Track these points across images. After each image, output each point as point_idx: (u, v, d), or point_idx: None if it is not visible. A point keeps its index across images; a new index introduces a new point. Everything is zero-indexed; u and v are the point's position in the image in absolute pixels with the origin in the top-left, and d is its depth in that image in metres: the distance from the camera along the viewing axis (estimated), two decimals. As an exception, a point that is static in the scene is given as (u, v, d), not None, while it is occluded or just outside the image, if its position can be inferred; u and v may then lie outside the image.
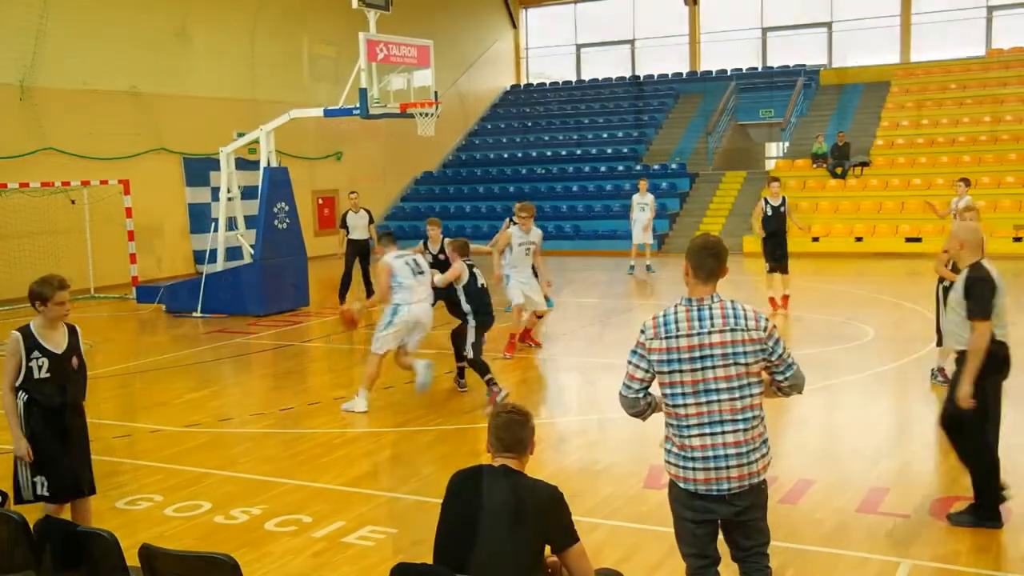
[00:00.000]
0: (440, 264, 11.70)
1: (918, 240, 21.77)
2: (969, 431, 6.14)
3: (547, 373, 11.59)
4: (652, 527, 6.18)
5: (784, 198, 14.86)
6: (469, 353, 9.78)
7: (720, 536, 4.37)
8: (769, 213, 14.70)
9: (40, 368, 5.68)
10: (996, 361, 6.04)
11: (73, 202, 18.92)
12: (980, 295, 5.94)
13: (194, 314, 15.86)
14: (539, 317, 12.56)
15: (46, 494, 5.71)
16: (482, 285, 9.97)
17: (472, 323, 9.80)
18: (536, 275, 12.08)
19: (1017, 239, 21.21)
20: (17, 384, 5.66)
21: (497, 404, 4.11)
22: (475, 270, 9.99)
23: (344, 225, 16.86)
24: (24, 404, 5.67)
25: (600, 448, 8.14)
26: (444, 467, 7.22)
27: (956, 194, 14.90)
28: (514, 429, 4.01)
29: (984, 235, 6.18)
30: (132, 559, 3.93)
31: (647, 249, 19.96)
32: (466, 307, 9.83)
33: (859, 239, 22.53)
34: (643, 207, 19.54)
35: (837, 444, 8.21)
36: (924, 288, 15.85)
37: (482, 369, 9.67)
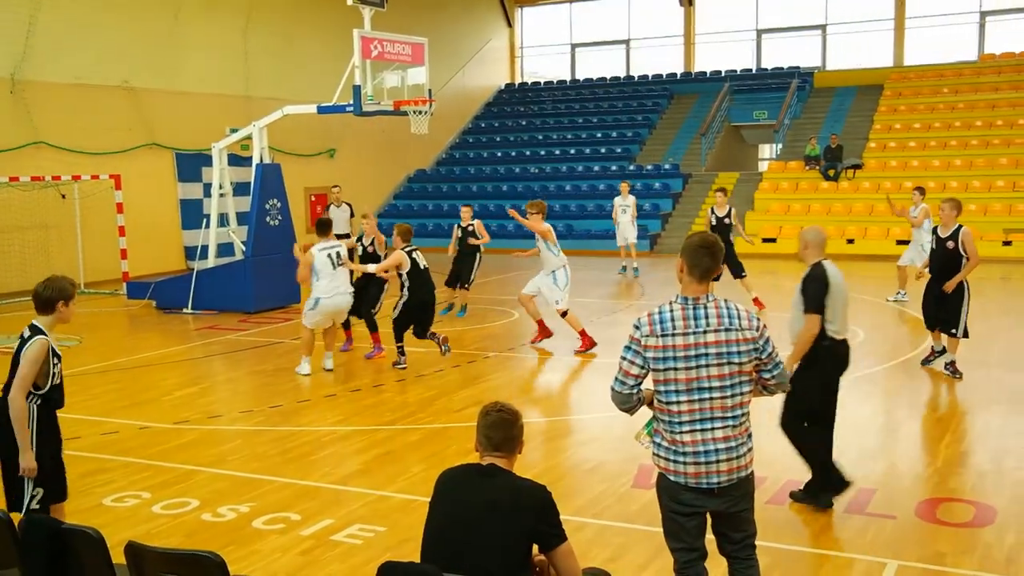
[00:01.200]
0: (370, 257, 12.55)
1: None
2: (812, 425, 6.63)
3: (538, 372, 11.59)
4: (641, 527, 6.20)
5: (731, 209, 15.46)
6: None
7: (708, 533, 4.40)
8: (713, 223, 15.26)
9: (57, 373, 5.39)
10: (833, 357, 6.51)
11: (64, 196, 18.88)
12: (813, 292, 6.40)
13: (184, 310, 15.83)
14: (563, 315, 12.30)
15: (37, 507, 5.35)
16: (424, 267, 11.04)
17: (403, 301, 11.02)
18: (553, 271, 12.16)
19: (1007, 243, 21.28)
20: (41, 392, 5.29)
21: (487, 403, 4.12)
22: (415, 254, 11.03)
23: None
24: (37, 411, 5.30)
25: (589, 447, 8.14)
26: (433, 465, 7.22)
27: (912, 203, 15.26)
28: (503, 428, 4.01)
29: (824, 238, 6.64)
30: (118, 557, 3.92)
31: (632, 249, 19.96)
32: (405, 292, 10.98)
33: (851, 241, 22.58)
34: (624, 209, 19.68)
35: (826, 446, 8.20)
36: (913, 289, 15.88)
37: (399, 336, 11.12)
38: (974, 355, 11.35)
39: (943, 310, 10.20)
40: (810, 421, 6.67)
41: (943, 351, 10.51)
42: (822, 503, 6.52)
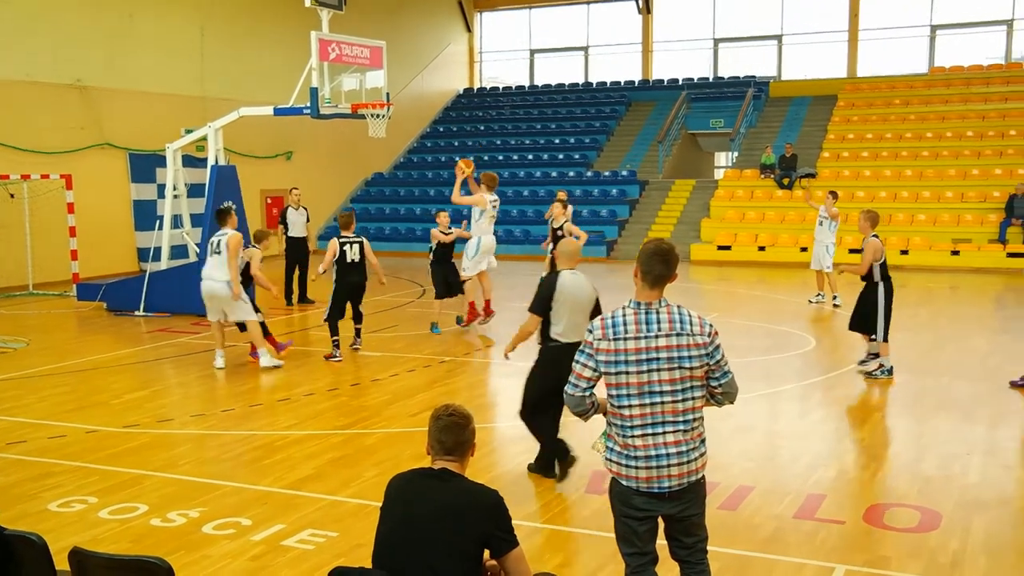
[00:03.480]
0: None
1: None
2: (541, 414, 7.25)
3: (491, 376, 11.59)
4: (593, 532, 6.22)
5: (565, 222, 15.76)
6: (325, 315, 12.05)
7: (660, 538, 4.43)
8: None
9: None
10: (552, 359, 6.93)
11: (12, 196, 18.53)
12: (538, 294, 7.05)
13: (136, 313, 15.60)
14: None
15: None
16: (351, 260, 11.88)
17: (333, 292, 11.93)
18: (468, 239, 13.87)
19: (955, 252, 21.68)
20: None
21: (438, 407, 4.11)
22: (347, 246, 11.88)
23: (283, 221, 16.78)
24: None
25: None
26: (387, 470, 7.16)
27: (819, 202, 16.02)
28: (455, 432, 3.99)
29: (574, 250, 7.15)
30: (62, 563, 3.85)
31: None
32: (334, 282, 11.98)
33: (804, 249, 22.81)
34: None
35: (776, 451, 8.32)
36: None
37: (333, 331, 11.90)
38: (923, 363, 11.57)
39: (859, 314, 10.89)
40: (539, 411, 7.24)
41: (877, 355, 10.95)
42: (550, 474, 7.26)
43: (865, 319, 10.76)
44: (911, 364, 11.30)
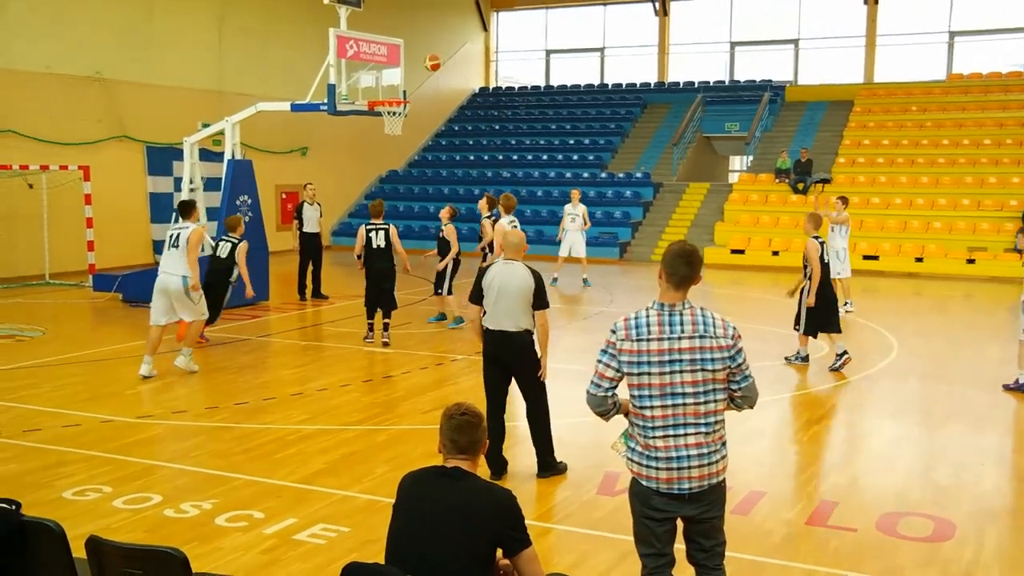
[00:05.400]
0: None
1: (875, 258, 22.09)
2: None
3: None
4: (604, 533, 6.21)
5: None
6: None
7: (677, 541, 4.43)
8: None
9: None
10: (486, 344, 7.34)
11: (31, 186, 18.63)
12: (473, 284, 7.38)
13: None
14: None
15: None
16: (377, 246, 12.38)
17: (365, 275, 12.55)
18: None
19: (970, 261, 21.57)
20: None
21: (449, 406, 4.12)
22: (372, 232, 12.39)
23: (299, 217, 16.82)
24: None
25: (555, 453, 8.14)
26: (399, 467, 7.21)
27: (834, 209, 15.81)
28: (468, 431, 3.99)
29: (518, 241, 7.40)
30: (78, 550, 3.88)
31: (583, 261, 19.79)
32: (363, 263, 12.58)
33: (818, 255, 22.77)
34: (573, 218, 19.56)
35: (789, 457, 8.30)
36: (878, 304, 16.10)
37: (367, 315, 12.66)
38: (936, 370, 11.52)
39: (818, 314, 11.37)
40: (496, 404, 7.40)
41: (844, 352, 11.32)
42: (545, 474, 7.37)
43: (827, 318, 11.26)
44: (924, 371, 11.26)
